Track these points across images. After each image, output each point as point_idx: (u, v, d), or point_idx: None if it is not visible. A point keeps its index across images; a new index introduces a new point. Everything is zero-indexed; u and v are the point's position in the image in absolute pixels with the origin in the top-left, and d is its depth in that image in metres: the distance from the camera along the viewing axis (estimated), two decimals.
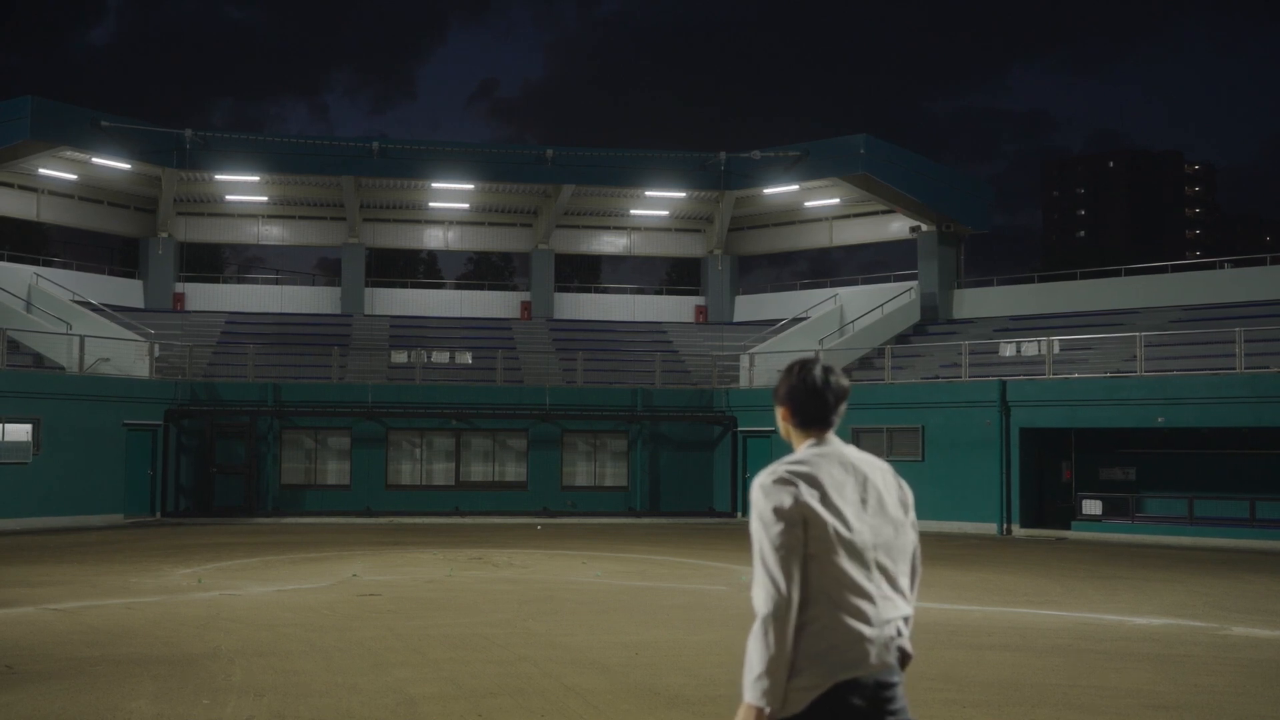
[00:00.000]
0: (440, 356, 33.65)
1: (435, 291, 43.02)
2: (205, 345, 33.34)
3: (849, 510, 3.10)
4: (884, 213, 38.84)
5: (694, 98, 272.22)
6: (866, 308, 35.94)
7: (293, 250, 59.50)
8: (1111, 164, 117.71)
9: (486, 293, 42.91)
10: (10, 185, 35.49)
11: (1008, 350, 30.13)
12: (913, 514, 3.31)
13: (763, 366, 32.10)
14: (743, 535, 3.34)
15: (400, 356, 33.38)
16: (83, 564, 17.47)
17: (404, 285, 45.07)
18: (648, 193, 38.72)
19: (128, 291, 37.15)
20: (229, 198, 38.48)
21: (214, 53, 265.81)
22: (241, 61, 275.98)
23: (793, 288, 41.30)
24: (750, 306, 40.05)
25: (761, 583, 3.03)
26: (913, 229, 37.64)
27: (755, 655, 3.00)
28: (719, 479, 31.25)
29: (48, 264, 36.35)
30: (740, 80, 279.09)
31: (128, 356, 30.11)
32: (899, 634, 3.16)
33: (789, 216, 40.77)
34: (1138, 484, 26.87)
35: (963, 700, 8.14)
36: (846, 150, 35.98)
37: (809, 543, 3.04)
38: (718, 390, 31.70)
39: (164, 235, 37.68)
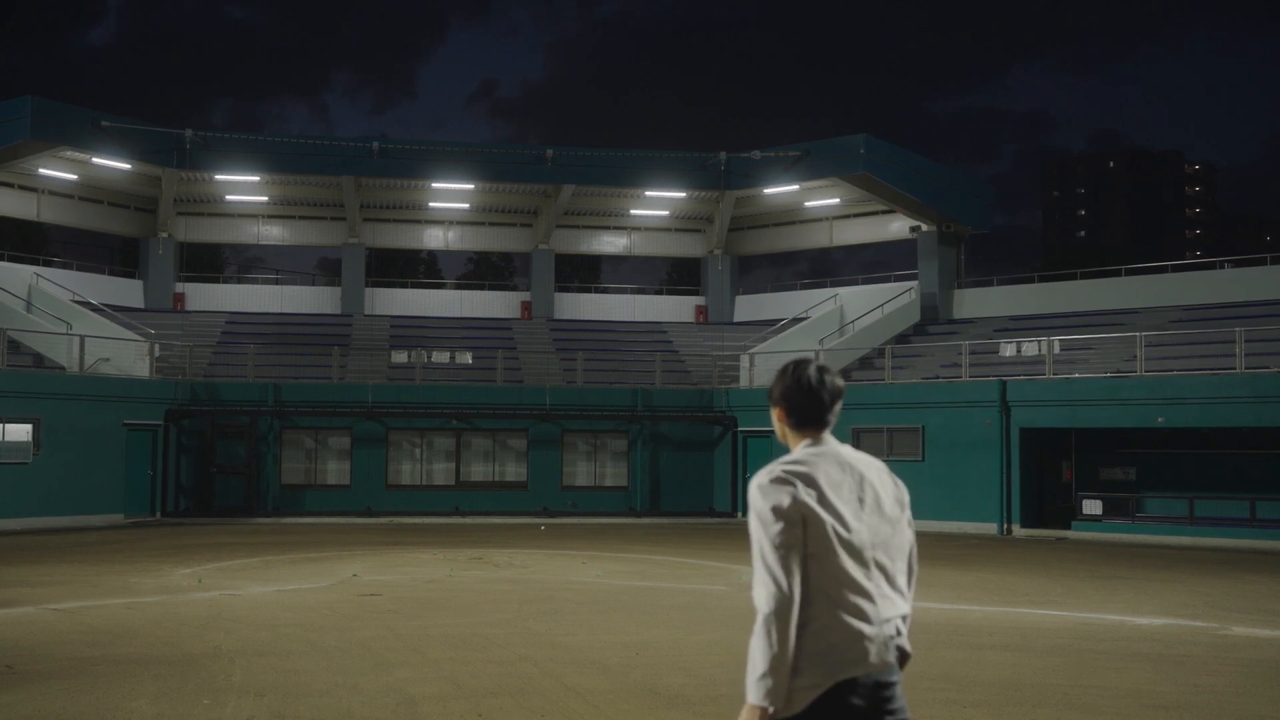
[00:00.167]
0: (440, 356, 33.65)
1: (435, 291, 43.03)
2: (205, 345, 33.35)
3: (847, 509, 3.11)
4: (884, 213, 38.84)
5: (694, 98, 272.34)
6: (866, 308, 35.94)
7: (293, 250, 59.47)
8: (1111, 164, 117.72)
9: (487, 293, 42.90)
10: (10, 185, 35.50)
11: (1008, 350, 30.13)
12: (909, 512, 3.32)
13: (763, 366, 32.09)
14: (743, 535, 3.32)
15: (400, 356, 33.39)
16: (83, 564, 17.47)
17: (404, 285, 45.08)
18: (648, 193, 38.72)
19: (128, 291, 37.15)
20: (229, 198, 38.48)
21: (214, 53, 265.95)
22: (241, 61, 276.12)
23: (793, 288, 41.30)
24: (750, 306, 40.05)
25: (763, 582, 3.04)
26: (913, 229, 37.64)
27: (758, 655, 3.01)
28: (719, 479, 31.25)
29: (48, 264, 36.35)
30: (740, 80, 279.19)
31: (128, 356, 30.11)
32: (898, 633, 3.17)
33: (789, 216, 40.77)
34: (1138, 484, 26.87)
35: (963, 700, 8.14)
36: (846, 150, 35.99)
37: (808, 542, 3.05)
38: (718, 390, 31.70)
39: (164, 235, 37.69)
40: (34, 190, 36.16)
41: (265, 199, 38.74)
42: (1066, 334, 30.34)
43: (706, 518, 30.43)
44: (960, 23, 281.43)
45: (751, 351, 33.19)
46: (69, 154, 34.34)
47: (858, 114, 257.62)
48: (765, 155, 37.22)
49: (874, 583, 3.11)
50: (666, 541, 22.91)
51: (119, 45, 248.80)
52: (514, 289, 44.49)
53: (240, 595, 13.74)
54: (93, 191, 37.11)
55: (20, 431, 25.84)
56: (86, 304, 33.23)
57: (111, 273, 38.94)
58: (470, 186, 37.82)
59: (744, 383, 32.04)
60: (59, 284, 34.20)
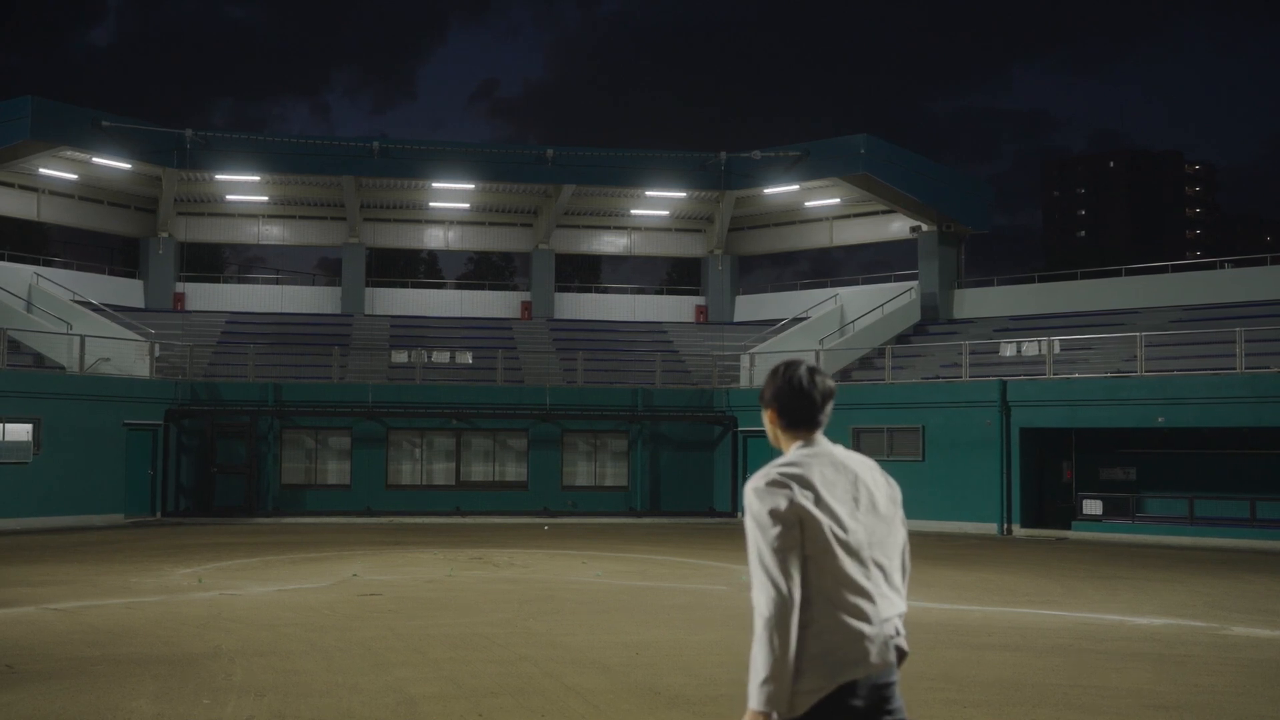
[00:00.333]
0: (440, 356, 33.66)
1: (435, 291, 43.02)
2: (206, 345, 33.36)
3: (843, 510, 3.11)
4: (884, 213, 38.84)
5: (694, 98, 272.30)
6: (867, 308, 35.94)
7: (293, 250, 59.59)
8: (1112, 164, 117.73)
9: (487, 293, 42.90)
10: (10, 185, 35.50)
11: (1008, 350, 30.14)
12: (901, 510, 3.31)
13: (763, 366, 32.08)
14: (743, 535, 3.29)
15: (400, 356, 33.39)
16: (83, 564, 17.48)
17: (404, 285, 45.08)
18: (648, 193, 38.73)
19: (128, 291, 37.16)
20: (229, 197, 38.48)
21: (214, 53, 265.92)
22: (242, 61, 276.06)
23: (793, 288, 41.31)
24: (750, 306, 40.05)
25: (762, 586, 3.02)
26: (913, 229, 37.65)
27: (760, 660, 2.99)
28: (719, 479, 31.26)
29: (48, 264, 36.35)
30: (740, 80, 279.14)
31: (128, 356, 30.12)
32: (897, 632, 3.16)
33: (789, 216, 40.77)
34: (1138, 484, 26.87)
35: (963, 700, 8.14)
36: (847, 150, 35.99)
37: (805, 544, 3.04)
38: (718, 390, 31.71)
39: (164, 235, 37.69)
40: (34, 190, 36.16)
41: (265, 199, 38.75)
42: (1066, 334, 30.34)
43: (706, 518, 30.43)
44: (960, 23, 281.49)
45: (752, 351, 33.19)
46: (69, 154, 34.35)
47: (858, 114, 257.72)
48: (765, 155, 37.23)
49: (873, 582, 3.11)
50: (667, 541, 22.91)
51: (119, 45, 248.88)
52: (514, 289, 44.50)
53: (240, 595, 13.74)
54: (93, 191, 37.11)
55: (20, 431, 25.85)
56: (87, 304, 33.23)
57: (112, 273, 38.94)
58: (470, 186, 37.82)
59: (744, 383, 32.04)
60: (59, 284, 34.20)
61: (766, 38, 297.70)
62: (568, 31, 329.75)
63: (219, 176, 36.86)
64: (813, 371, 3.29)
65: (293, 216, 39.82)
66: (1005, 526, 26.42)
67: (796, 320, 36.28)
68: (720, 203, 39.53)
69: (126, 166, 35.48)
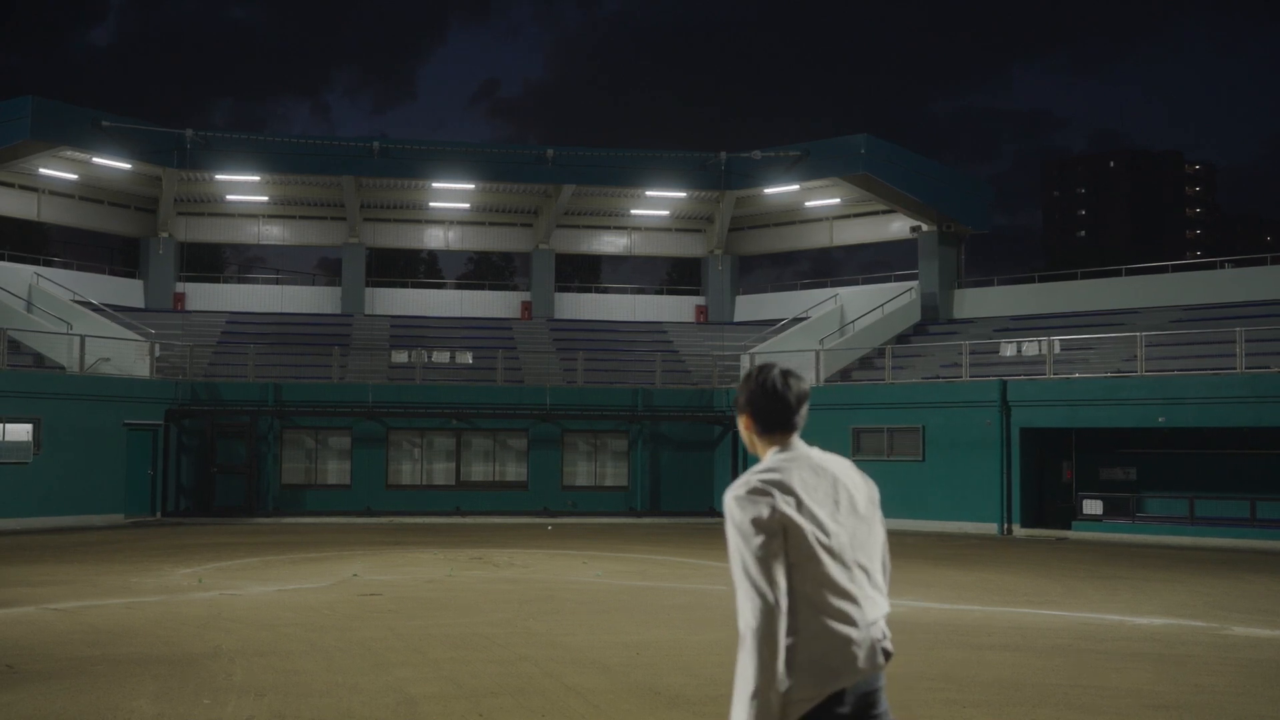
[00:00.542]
0: (441, 356, 33.66)
1: (436, 291, 43.02)
2: (206, 345, 33.36)
3: (824, 513, 3.07)
4: (884, 213, 38.84)
5: (694, 98, 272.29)
6: (867, 308, 35.94)
7: (293, 250, 59.58)
8: (1112, 164, 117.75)
9: (487, 293, 42.90)
10: (10, 185, 35.50)
11: (1008, 350, 30.13)
12: (879, 510, 3.30)
13: None
14: None
15: (401, 356, 33.40)
16: (83, 564, 17.48)
17: (404, 285, 45.08)
18: (648, 193, 38.73)
19: (128, 291, 37.16)
20: (229, 197, 38.49)
21: (214, 53, 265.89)
22: (242, 61, 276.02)
23: (793, 287, 41.30)
24: (751, 306, 40.06)
25: (747, 595, 2.97)
26: (913, 229, 37.65)
27: (747, 672, 2.94)
28: (719, 479, 31.25)
29: (48, 264, 36.35)
30: (740, 80, 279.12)
31: (128, 356, 30.12)
32: (884, 635, 3.13)
33: (789, 216, 40.77)
34: (1138, 484, 26.87)
35: (963, 700, 8.14)
36: (847, 150, 35.99)
37: (789, 551, 3.00)
38: (718, 390, 31.71)
39: (164, 235, 37.69)
40: (34, 190, 36.17)
41: (265, 199, 38.75)
42: (1066, 334, 30.34)
43: (706, 518, 30.43)
44: (960, 23, 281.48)
45: (752, 351, 33.18)
46: (69, 154, 34.35)
47: (858, 114, 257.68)
48: (765, 155, 37.23)
49: (857, 585, 3.07)
50: (667, 541, 22.91)
51: (119, 45, 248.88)
52: (514, 289, 44.50)
53: (240, 595, 13.74)
54: (93, 191, 37.11)
55: (20, 431, 25.85)
56: (87, 304, 33.23)
57: (112, 273, 38.95)
58: (470, 186, 37.83)
59: None
60: (59, 284, 34.20)
61: (766, 38, 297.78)
62: (568, 31, 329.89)
63: (219, 176, 36.87)
64: (786, 374, 3.24)
65: (293, 216, 39.82)
66: (1005, 526, 26.42)
67: (796, 320, 36.28)
68: (720, 203, 39.53)
69: (126, 166, 35.48)
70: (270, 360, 32.35)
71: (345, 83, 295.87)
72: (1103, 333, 30.19)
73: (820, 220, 40.63)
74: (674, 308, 41.16)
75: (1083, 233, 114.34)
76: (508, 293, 42.70)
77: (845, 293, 38.00)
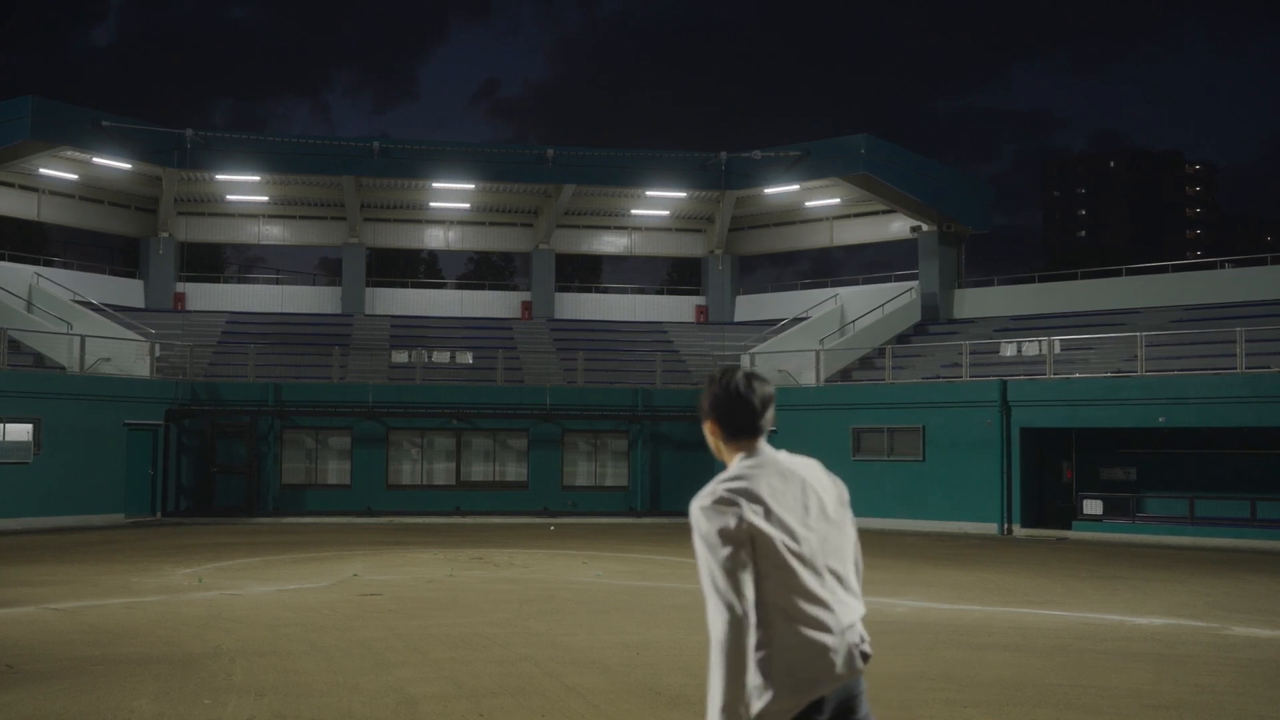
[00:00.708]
0: (441, 356, 33.67)
1: (436, 291, 43.04)
2: (206, 345, 33.37)
3: (793, 519, 3.01)
4: (884, 213, 38.85)
5: (694, 98, 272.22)
6: (867, 307, 35.94)
7: (293, 250, 59.62)
8: (1112, 164, 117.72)
9: (487, 293, 42.91)
10: (11, 185, 35.50)
11: (1008, 350, 30.13)
12: (850, 510, 3.23)
13: (764, 366, 32.09)
14: None
15: (401, 356, 33.40)
16: (84, 564, 17.48)
17: (404, 285, 45.09)
18: (648, 193, 38.74)
19: (128, 291, 37.16)
20: (230, 197, 38.49)
21: (214, 53, 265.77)
22: (242, 61, 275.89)
23: (793, 287, 41.31)
24: (751, 306, 40.06)
25: (715, 608, 2.91)
26: (913, 229, 37.65)
27: (716, 685, 2.89)
28: None
29: (48, 264, 36.35)
30: (740, 80, 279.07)
31: (128, 356, 30.13)
32: (861, 639, 3.08)
33: (789, 216, 40.78)
34: (1138, 484, 26.87)
35: (963, 700, 8.15)
36: (847, 150, 35.99)
37: (758, 561, 2.95)
38: None
39: (164, 235, 37.70)
40: (34, 190, 36.17)
41: (266, 199, 38.76)
42: (1067, 334, 30.34)
43: None
44: (960, 23, 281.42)
45: (752, 351, 33.19)
46: (69, 154, 34.35)
47: (858, 114, 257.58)
48: (765, 155, 37.23)
49: (829, 590, 3.03)
50: (667, 541, 22.91)
51: (119, 45, 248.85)
52: (514, 289, 44.51)
53: (241, 595, 13.75)
54: (93, 191, 37.11)
55: (21, 431, 25.85)
56: (87, 304, 33.23)
57: (112, 272, 38.95)
58: (471, 186, 37.83)
59: None
60: (59, 284, 34.21)
61: (766, 38, 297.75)
62: (568, 32, 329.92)
63: (219, 176, 36.87)
64: (750, 377, 3.18)
65: (293, 216, 39.82)
66: (1005, 526, 26.42)
67: (797, 320, 36.28)
68: (720, 203, 39.54)
69: (127, 166, 35.48)
70: (270, 360, 32.36)
71: (345, 83, 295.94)
72: (1103, 333, 30.20)
73: (820, 220, 40.63)
74: (674, 308, 41.17)
75: (1083, 233, 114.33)
76: (508, 293, 42.71)
77: (845, 293, 38.01)
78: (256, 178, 37.18)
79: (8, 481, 25.41)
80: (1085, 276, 36.75)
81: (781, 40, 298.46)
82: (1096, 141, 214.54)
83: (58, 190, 36.54)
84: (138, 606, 12.64)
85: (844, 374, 32.69)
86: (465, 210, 39.90)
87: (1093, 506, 26.33)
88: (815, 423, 28.71)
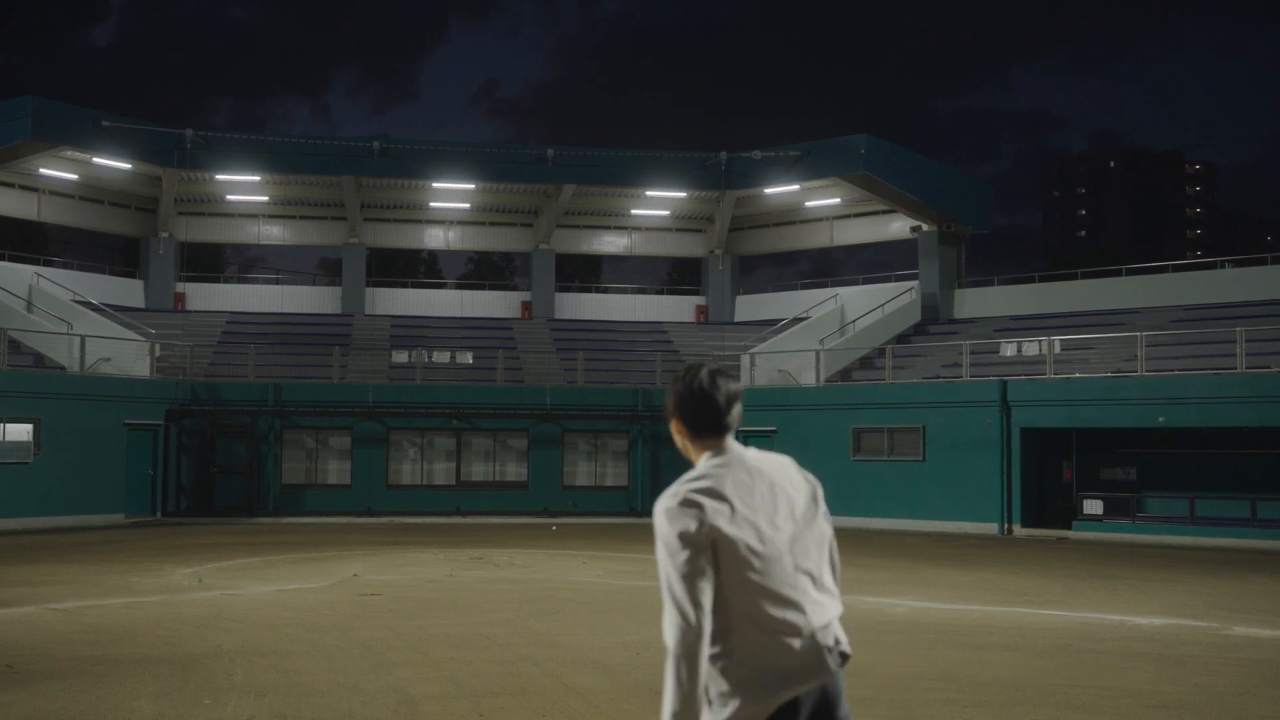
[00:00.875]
0: (441, 356, 33.67)
1: (436, 291, 43.04)
2: (206, 345, 33.37)
3: (761, 519, 2.94)
4: (885, 213, 38.85)
5: (694, 98, 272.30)
6: (867, 307, 35.94)
7: (293, 250, 59.57)
8: (1112, 164, 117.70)
9: (487, 293, 42.91)
10: (11, 185, 35.50)
11: (1008, 350, 30.13)
12: (823, 505, 3.14)
13: (764, 366, 32.11)
14: None
15: (401, 356, 33.40)
16: (84, 564, 17.48)
17: (405, 285, 45.08)
18: (648, 193, 38.74)
19: (128, 291, 37.16)
20: (230, 197, 38.49)
21: (214, 53, 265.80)
22: (242, 61, 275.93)
23: (793, 287, 41.31)
24: (751, 306, 40.06)
25: (669, 614, 2.83)
26: (913, 229, 37.65)
27: (667, 693, 2.81)
28: None
29: (48, 264, 36.35)
30: (740, 80, 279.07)
31: (128, 356, 30.13)
32: (836, 641, 3.00)
33: (789, 216, 40.78)
34: (1139, 484, 26.87)
35: (963, 700, 8.14)
36: (847, 150, 35.99)
37: (722, 566, 2.87)
38: None
39: (165, 235, 37.70)
40: (34, 190, 36.17)
41: (266, 199, 38.76)
42: (1067, 334, 30.34)
43: None
44: (960, 23, 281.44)
45: (752, 351, 33.19)
46: (69, 154, 34.35)
47: (858, 114, 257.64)
48: (765, 155, 37.23)
49: (800, 591, 2.95)
50: None
51: (119, 45, 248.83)
52: (514, 289, 44.51)
53: (241, 595, 13.75)
54: (93, 191, 37.11)
55: (21, 431, 25.85)
56: (87, 304, 33.23)
57: (112, 273, 38.95)
58: (471, 186, 37.83)
59: (744, 383, 32.02)
60: (59, 284, 34.21)
61: (766, 38, 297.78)
62: (568, 31, 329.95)
63: (219, 176, 36.87)
64: (715, 374, 3.09)
65: (293, 216, 39.82)
66: (1006, 526, 26.42)
67: (797, 320, 36.28)
68: (720, 203, 39.54)
69: (127, 166, 35.48)
70: (270, 360, 32.36)
71: (345, 83, 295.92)
72: (1103, 333, 30.19)
73: (820, 220, 40.63)
74: (674, 308, 41.17)
75: (1083, 233, 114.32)
76: (508, 293, 42.71)
77: (845, 293, 38.01)
78: (256, 178, 37.18)
79: (8, 481, 25.41)
80: (1085, 276, 36.75)
81: (781, 40, 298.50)
82: (1096, 141, 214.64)
83: (58, 190, 36.54)
84: (138, 606, 12.64)
85: (844, 374, 32.69)
86: (465, 210, 39.90)
87: (1093, 506, 26.33)
88: (815, 423, 28.72)
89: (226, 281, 42.13)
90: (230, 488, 29.33)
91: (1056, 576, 16.83)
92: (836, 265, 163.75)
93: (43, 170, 34.99)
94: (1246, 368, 24.63)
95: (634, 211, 40.50)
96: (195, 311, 37.09)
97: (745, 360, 32.77)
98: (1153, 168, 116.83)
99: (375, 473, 30.28)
